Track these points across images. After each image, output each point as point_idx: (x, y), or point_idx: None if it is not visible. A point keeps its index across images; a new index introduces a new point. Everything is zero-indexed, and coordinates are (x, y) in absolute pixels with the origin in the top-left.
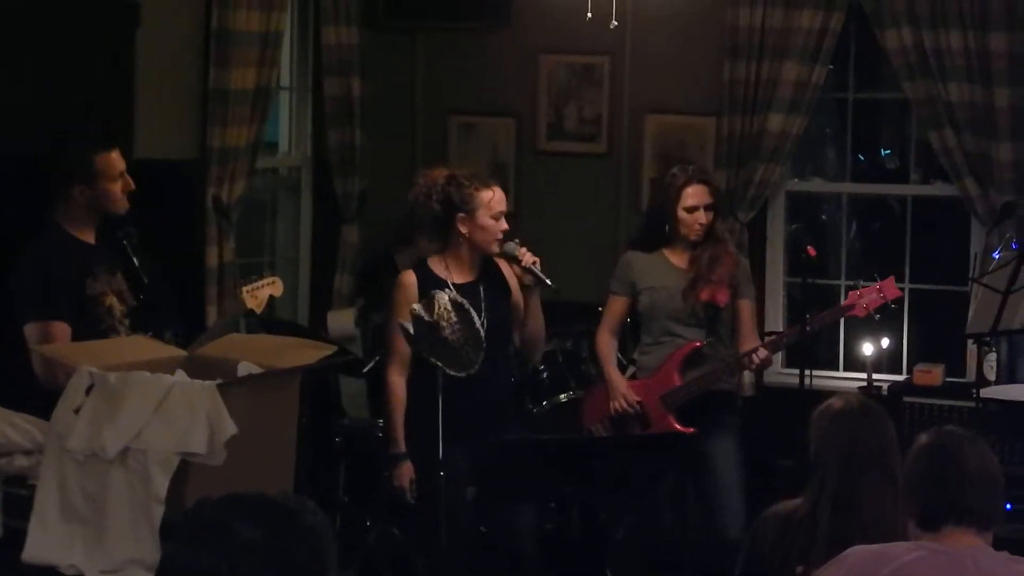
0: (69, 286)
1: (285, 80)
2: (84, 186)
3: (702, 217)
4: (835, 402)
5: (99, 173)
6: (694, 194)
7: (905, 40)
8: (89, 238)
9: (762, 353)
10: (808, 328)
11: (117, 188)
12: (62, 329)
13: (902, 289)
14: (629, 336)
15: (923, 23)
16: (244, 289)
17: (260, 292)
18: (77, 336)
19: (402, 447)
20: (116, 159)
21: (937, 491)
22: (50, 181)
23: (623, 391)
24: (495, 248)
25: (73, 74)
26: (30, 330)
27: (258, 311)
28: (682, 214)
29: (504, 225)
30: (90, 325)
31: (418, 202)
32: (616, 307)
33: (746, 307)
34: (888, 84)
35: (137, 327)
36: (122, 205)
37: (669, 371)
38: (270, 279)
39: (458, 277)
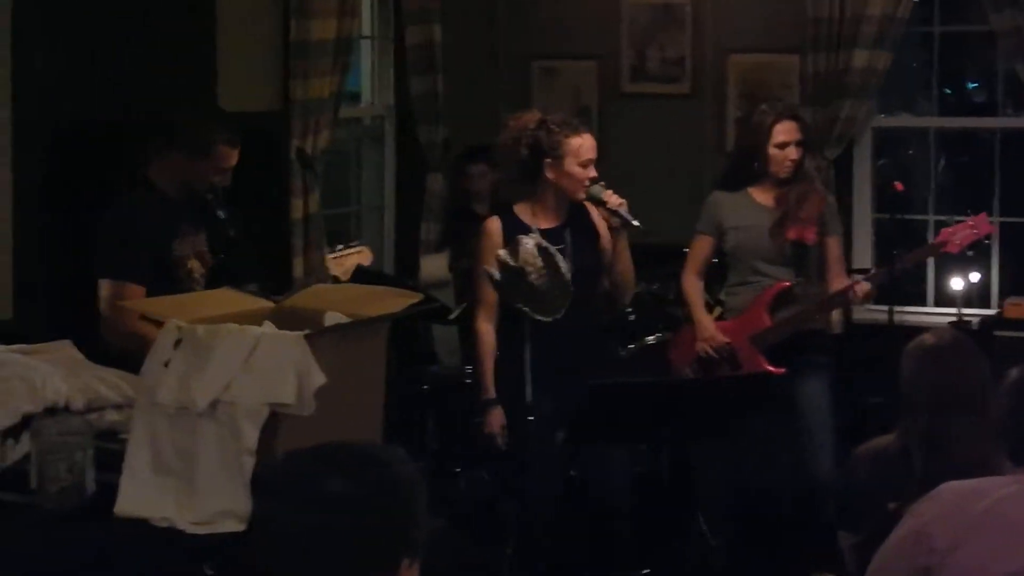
0: (152, 246)
1: (366, 29)
2: (189, 159)
3: (793, 153)
4: (927, 338)
5: (212, 156)
6: (785, 130)
7: None
8: (179, 196)
9: (863, 286)
10: (899, 267)
11: (214, 176)
12: (135, 291)
13: (993, 223)
14: (717, 277)
15: None
16: (330, 257)
17: (346, 260)
18: (153, 296)
19: (492, 393)
20: (232, 155)
21: None
22: (151, 138)
23: (711, 332)
24: (580, 194)
25: (154, 31)
26: (103, 286)
27: (344, 279)
28: (773, 151)
29: (592, 172)
30: (171, 287)
31: (506, 146)
32: (702, 247)
33: (834, 244)
34: (974, 16)
35: (221, 282)
36: (206, 187)
37: (758, 311)
38: (358, 248)
39: (544, 222)
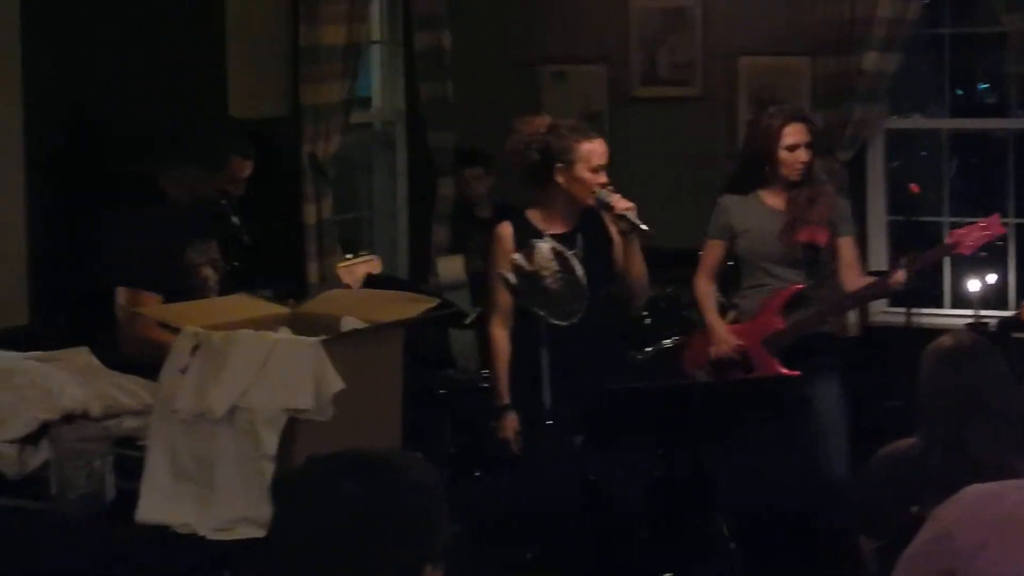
0: (167, 254)
1: (376, 35)
2: (203, 172)
3: (803, 155)
4: (946, 340)
5: (226, 170)
6: (793, 132)
7: None
8: (192, 206)
9: (901, 273)
10: (911, 268)
11: (227, 187)
12: (151, 299)
13: (1006, 225)
14: (730, 280)
15: None
16: (340, 266)
17: (357, 269)
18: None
19: (506, 398)
20: (246, 166)
21: None
22: (163, 148)
23: (724, 336)
24: (589, 199)
25: (163, 38)
26: (120, 294)
27: (353, 288)
28: (783, 154)
29: (603, 178)
30: (185, 296)
31: (516, 151)
32: (713, 251)
33: (848, 244)
34: (984, 18)
35: (236, 288)
36: (217, 196)
37: (771, 314)
38: (367, 257)
39: (555, 227)
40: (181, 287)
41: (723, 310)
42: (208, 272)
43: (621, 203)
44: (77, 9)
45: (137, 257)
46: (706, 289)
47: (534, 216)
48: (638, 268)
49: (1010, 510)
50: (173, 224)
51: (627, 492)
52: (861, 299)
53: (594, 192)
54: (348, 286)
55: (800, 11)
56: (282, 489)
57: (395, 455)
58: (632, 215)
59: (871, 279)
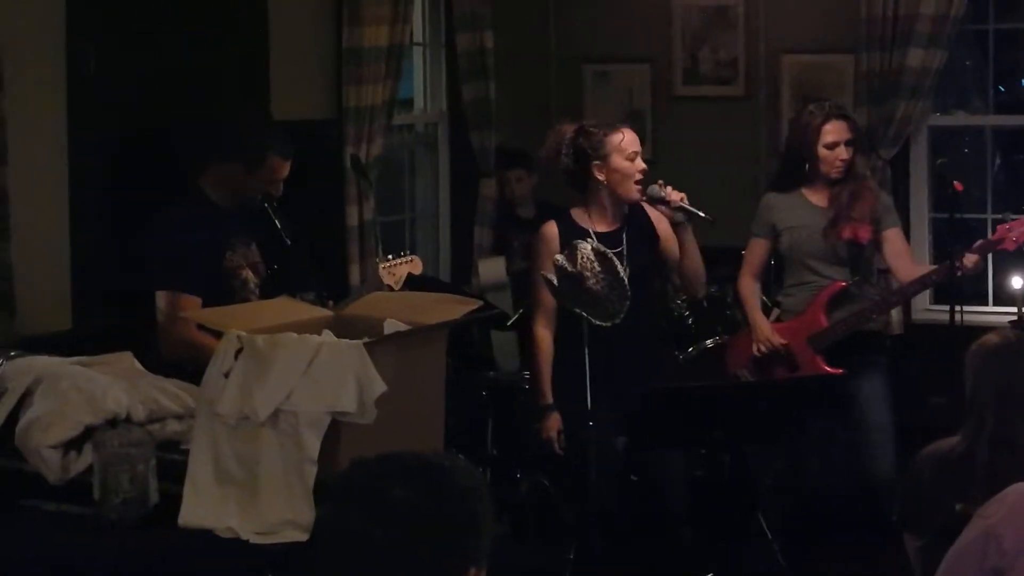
0: (206, 257)
1: (418, 36)
2: (240, 169)
3: (843, 153)
4: (991, 338)
5: (268, 168)
6: (833, 130)
7: None
8: (232, 207)
9: (971, 257)
10: (957, 265)
11: (265, 188)
12: (191, 302)
13: None
14: (773, 278)
15: None
16: (382, 266)
17: (398, 269)
18: (207, 306)
19: (549, 399)
20: (284, 168)
21: None
22: (204, 148)
23: (768, 334)
24: (636, 194)
25: (207, 40)
26: (160, 297)
27: (395, 288)
28: (822, 151)
29: (641, 165)
30: (225, 298)
31: (549, 159)
32: (757, 250)
33: (896, 236)
34: None
35: (279, 290)
36: (257, 198)
37: (815, 312)
38: (409, 257)
39: (601, 226)
40: (221, 289)
41: (766, 309)
42: (248, 274)
43: (675, 194)
44: (121, 10)
45: (176, 260)
46: (750, 288)
47: (579, 215)
48: (694, 257)
49: None
50: (212, 226)
51: (669, 492)
52: (914, 291)
53: (636, 181)
54: (390, 287)
55: (843, 8)
56: (329, 492)
57: (440, 458)
58: (687, 204)
59: (928, 267)
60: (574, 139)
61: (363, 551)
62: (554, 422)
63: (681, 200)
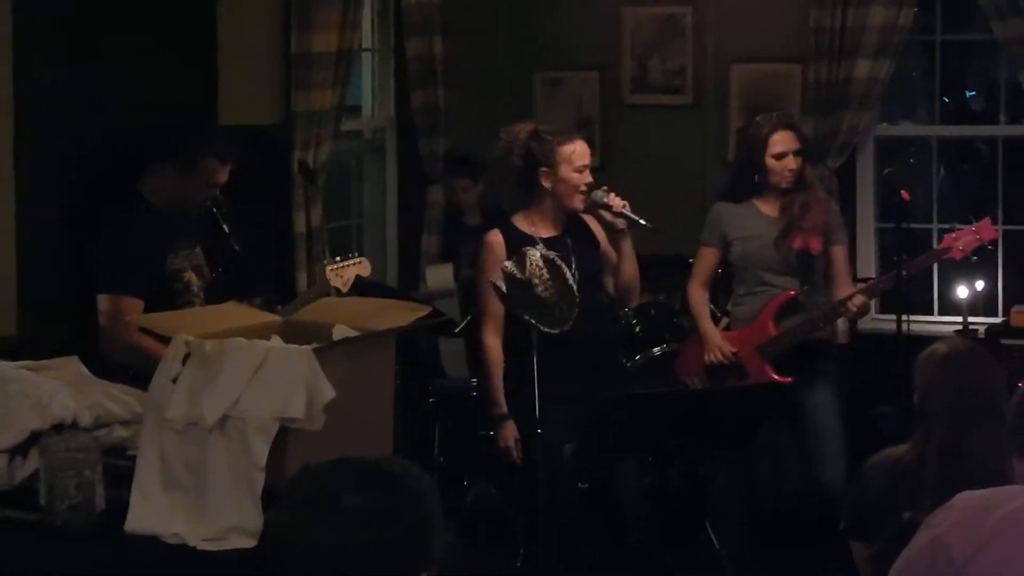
0: (149, 261)
1: (367, 42)
2: (179, 171)
3: (791, 163)
4: (940, 347)
5: (203, 171)
6: (781, 140)
7: None
8: (172, 211)
9: (858, 299)
10: (904, 273)
11: (204, 192)
12: (133, 305)
13: (996, 230)
14: (721, 288)
15: None
16: (329, 268)
17: (346, 271)
18: (152, 311)
19: (504, 407)
20: (223, 172)
21: None
22: (145, 153)
23: (718, 343)
24: (580, 203)
25: (155, 46)
26: (102, 301)
27: (343, 290)
28: (771, 162)
29: (587, 178)
30: (167, 301)
31: (501, 158)
32: (707, 259)
33: (840, 253)
34: (976, 25)
35: (225, 295)
36: (197, 205)
37: (764, 321)
38: (357, 259)
39: (544, 232)
40: (163, 292)
41: (714, 318)
42: (192, 277)
43: (617, 201)
44: (69, 17)
45: (117, 263)
46: (700, 297)
47: (521, 222)
48: (631, 266)
49: (1004, 517)
50: (153, 229)
51: (619, 499)
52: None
53: (583, 194)
54: (337, 289)
55: (792, 18)
56: (280, 498)
57: (391, 463)
58: (629, 211)
59: (859, 287)
60: (527, 141)
61: (316, 555)
62: (510, 431)
63: (623, 207)
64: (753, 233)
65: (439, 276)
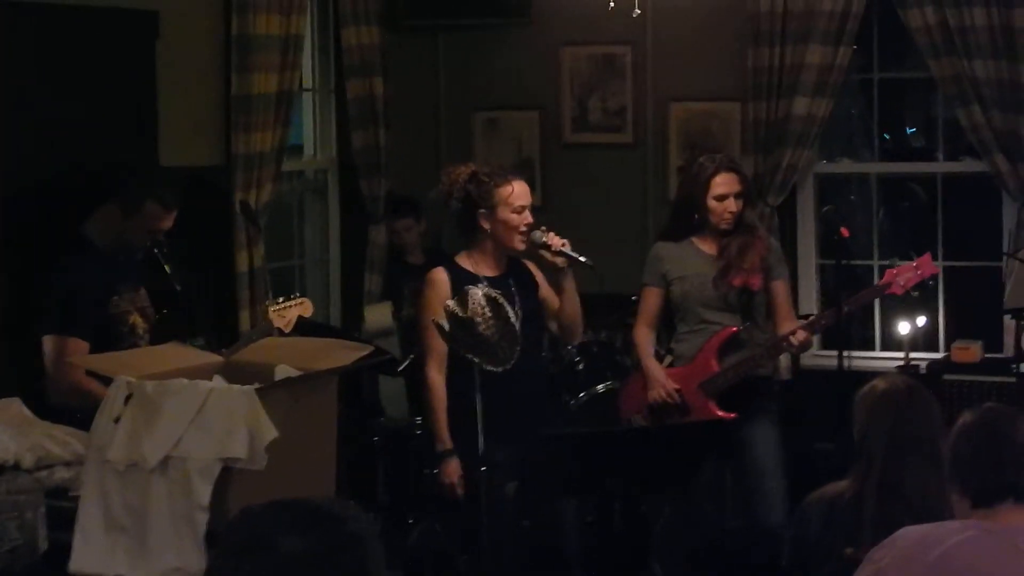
0: (92, 301)
1: (308, 82)
2: (121, 213)
3: (732, 205)
4: (880, 383)
5: (146, 215)
6: (723, 182)
7: (929, 19)
8: (116, 252)
9: (800, 335)
10: (845, 309)
11: (146, 234)
12: (78, 346)
13: (937, 266)
14: (664, 326)
15: (946, 1)
16: (272, 309)
17: (288, 312)
18: (96, 352)
19: (448, 444)
20: (167, 218)
21: (993, 469)
22: (87, 194)
23: (662, 380)
24: (519, 244)
25: (94, 86)
26: (47, 342)
27: (286, 331)
28: (712, 203)
29: (528, 218)
30: (112, 342)
31: (440, 200)
32: (650, 299)
33: (781, 288)
34: (913, 63)
35: (169, 336)
36: (140, 247)
37: (707, 358)
38: (299, 300)
39: (486, 271)
40: (109, 334)
41: (658, 356)
42: (137, 319)
43: (556, 240)
44: (7, 61)
45: (61, 304)
46: (645, 336)
47: (465, 261)
48: (573, 304)
49: (942, 554)
50: (97, 271)
51: (561, 538)
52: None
53: (522, 234)
54: (280, 329)
55: (730, 57)
56: (218, 541)
57: (332, 504)
58: (568, 249)
59: (801, 323)
60: (465, 184)
61: None
62: (454, 468)
63: (563, 245)
64: (692, 271)
65: (377, 315)
